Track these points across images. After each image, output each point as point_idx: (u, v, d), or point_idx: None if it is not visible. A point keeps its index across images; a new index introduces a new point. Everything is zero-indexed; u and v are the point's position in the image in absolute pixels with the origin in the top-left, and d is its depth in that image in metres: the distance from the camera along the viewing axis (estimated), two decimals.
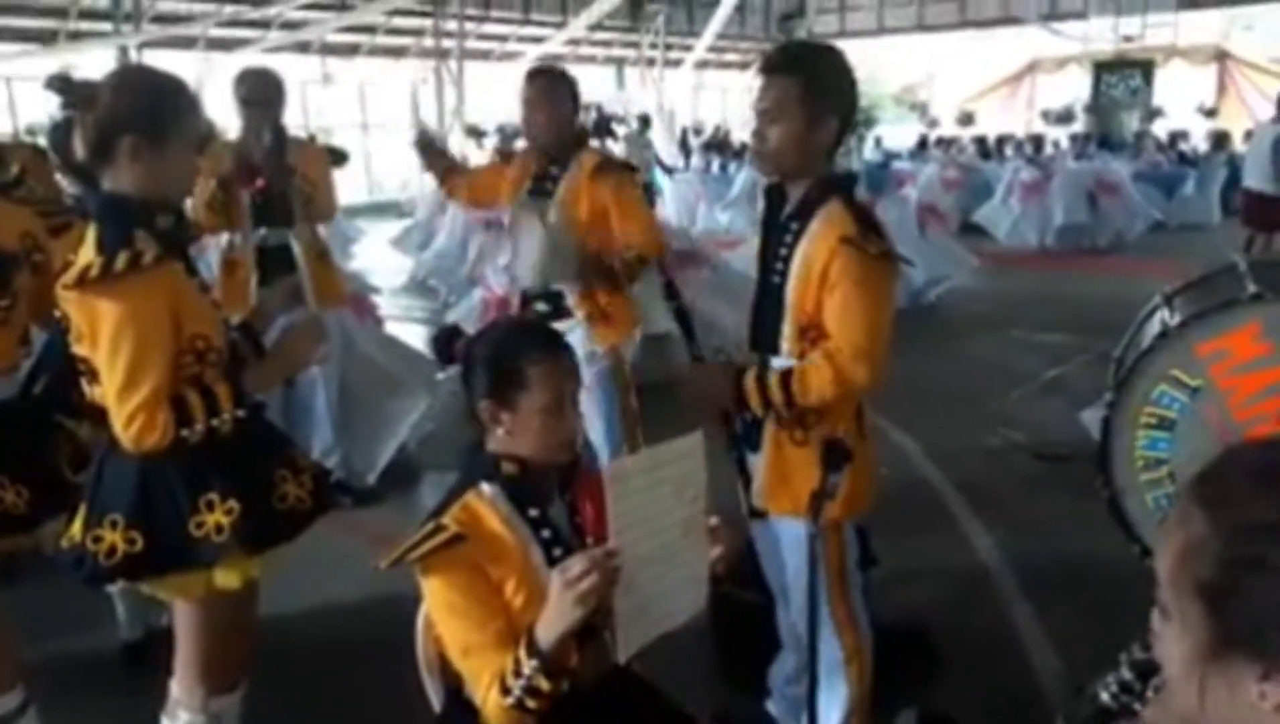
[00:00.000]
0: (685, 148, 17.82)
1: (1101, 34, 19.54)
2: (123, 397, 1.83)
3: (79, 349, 1.91)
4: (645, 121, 14.10)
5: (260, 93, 3.99)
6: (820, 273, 2.10)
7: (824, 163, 2.19)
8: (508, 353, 1.67)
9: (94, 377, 1.90)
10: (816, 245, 2.12)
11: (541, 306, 3.40)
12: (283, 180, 3.94)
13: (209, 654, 2.11)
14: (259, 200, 3.97)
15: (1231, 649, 0.83)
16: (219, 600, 2.03)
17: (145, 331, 1.82)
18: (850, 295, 2.08)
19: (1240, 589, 0.82)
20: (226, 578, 1.99)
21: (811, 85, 2.10)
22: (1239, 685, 0.83)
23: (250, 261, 3.96)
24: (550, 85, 3.40)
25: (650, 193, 10.27)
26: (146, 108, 1.90)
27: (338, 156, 4.52)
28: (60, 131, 3.00)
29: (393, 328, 5.92)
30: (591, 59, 20.62)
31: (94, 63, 12.95)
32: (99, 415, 1.92)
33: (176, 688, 2.17)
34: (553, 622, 1.47)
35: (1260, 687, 0.82)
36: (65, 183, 3.21)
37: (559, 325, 3.35)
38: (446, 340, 1.75)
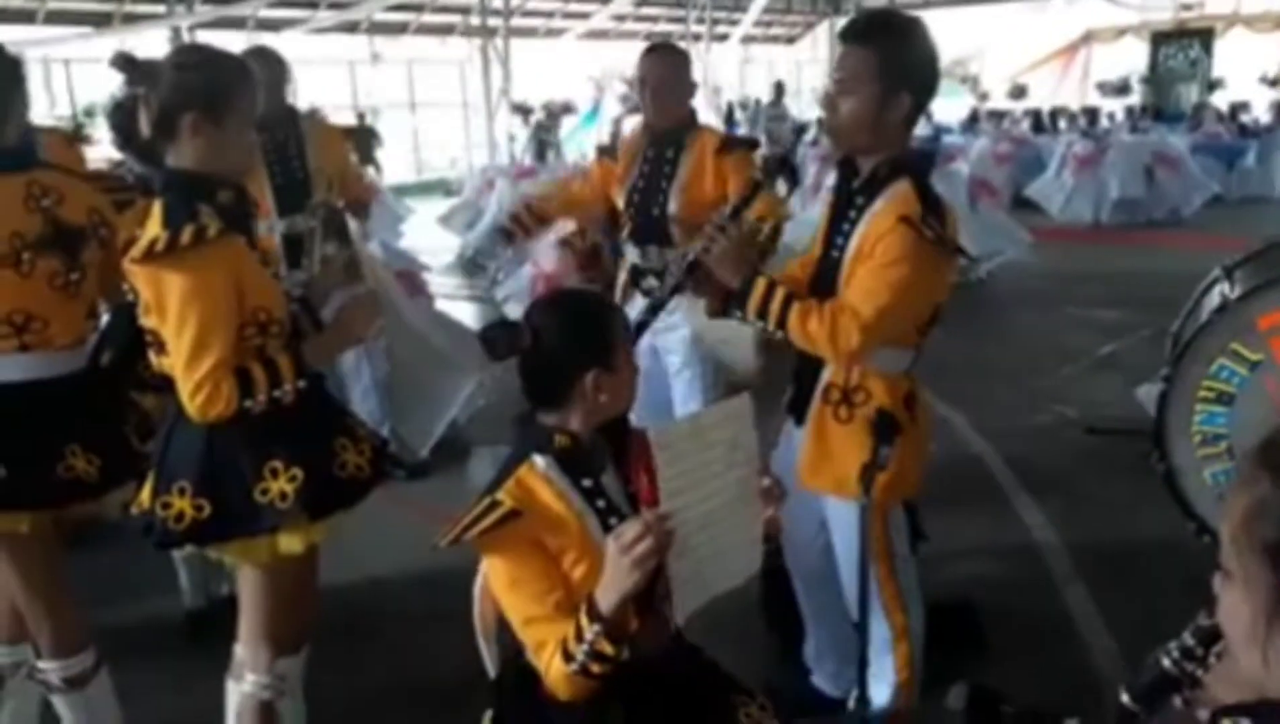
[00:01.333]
0: (730, 124, 17.68)
1: (1160, 2, 19.05)
2: (189, 368, 1.88)
3: (147, 321, 1.96)
4: (779, 90, 13.49)
5: (266, 74, 3.96)
6: (871, 249, 2.07)
7: (898, 139, 2.14)
8: (601, 320, 1.70)
9: (162, 348, 1.95)
10: (876, 223, 2.08)
11: (653, 282, 3.32)
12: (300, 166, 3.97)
13: (274, 618, 2.17)
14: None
15: None
16: (283, 566, 2.09)
17: (210, 303, 1.87)
18: (886, 266, 2.04)
19: None
20: (290, 543, 2.04)
21: (888, 58, 2.05)
22: None
23: (278, 249, 3.98)
24: (674, 63, 3.31)
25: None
26: (207, 85, 1.95)
27: (363, 136, 4.50)
28: (122, 110, 3.06)
29: (442, 305, 5.98)
30: (636, 35, 20.52)
31: (148, 44, 13.17)
32: (167, 386, 1.98)
33: (242, 651, 2.24)
34: (611, 587, 1.49)
35: None
36: (130, 162, 3.27)
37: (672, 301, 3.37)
38: (510, 334, 1.69)
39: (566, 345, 1.65)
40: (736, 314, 2.18)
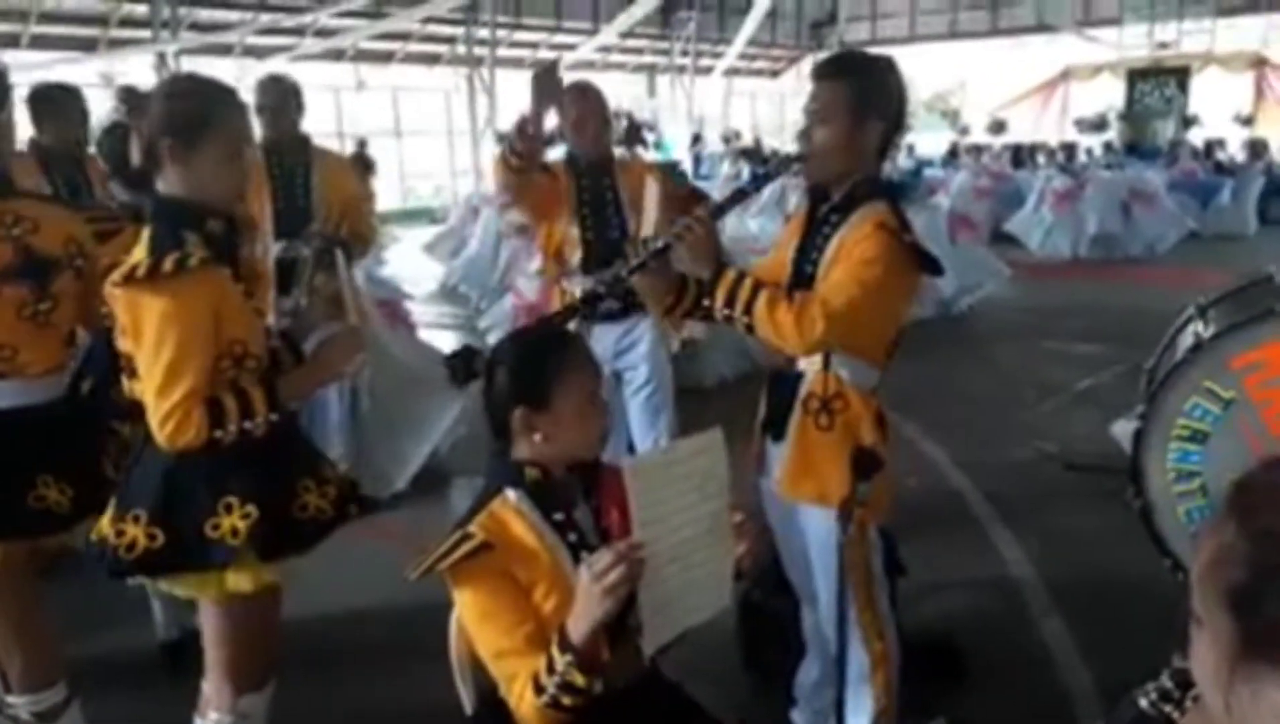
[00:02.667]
0: (697, 149, 17.78)
1: (1136, 41, 19.38)
2: (161, 395, 1.87)
3: (122, 345, 1.96)
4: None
5: (275, 99, 4.01)
6: (849, 254, 2.12)
7: (871, 166, 2.22)
8: (535, 358, 1.69)
9: (134, 372, 1.94)
10: (853, 232, 2.14)
11: (613, 305, 3.37)
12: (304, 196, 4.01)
13: (235, 654, 2.14)
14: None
15: (1256, 656, 0.83)
16: (242, 602, 2.06)
17: (187, 332, 1.86)
18: (861, 264, 2.09)
19: (1267, 595, 0.82)
20: (238, 581, 2.02)
21: (858, 90, 2.14)
22: (1263, 693, 0.83)
23: (271, 273, 3.98)
24: (600, 99, 3.49)
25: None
26: (182, 112, 1.95)
27: (365, 165, 4.56)
28: (113, 137, 3.07)
29: (424, 334, 5.97)
30: (622, 66, 20.68)
31: (133, 70, 13.16)
32: (137, 411, 1.97)
33: (207, 687, 2.22)
34: (582, 616, 1.49)
35: None
36: (117, 189, 3.28)
37: (629, 321, 3.39)
38: (466, 360, 1.76)
39: (500, 381, 1.70)
40: (703, 304, 2.20)
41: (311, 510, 2.09)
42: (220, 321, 1.92)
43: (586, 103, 3.43)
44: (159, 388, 1.87)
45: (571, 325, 3.46)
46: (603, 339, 3.47)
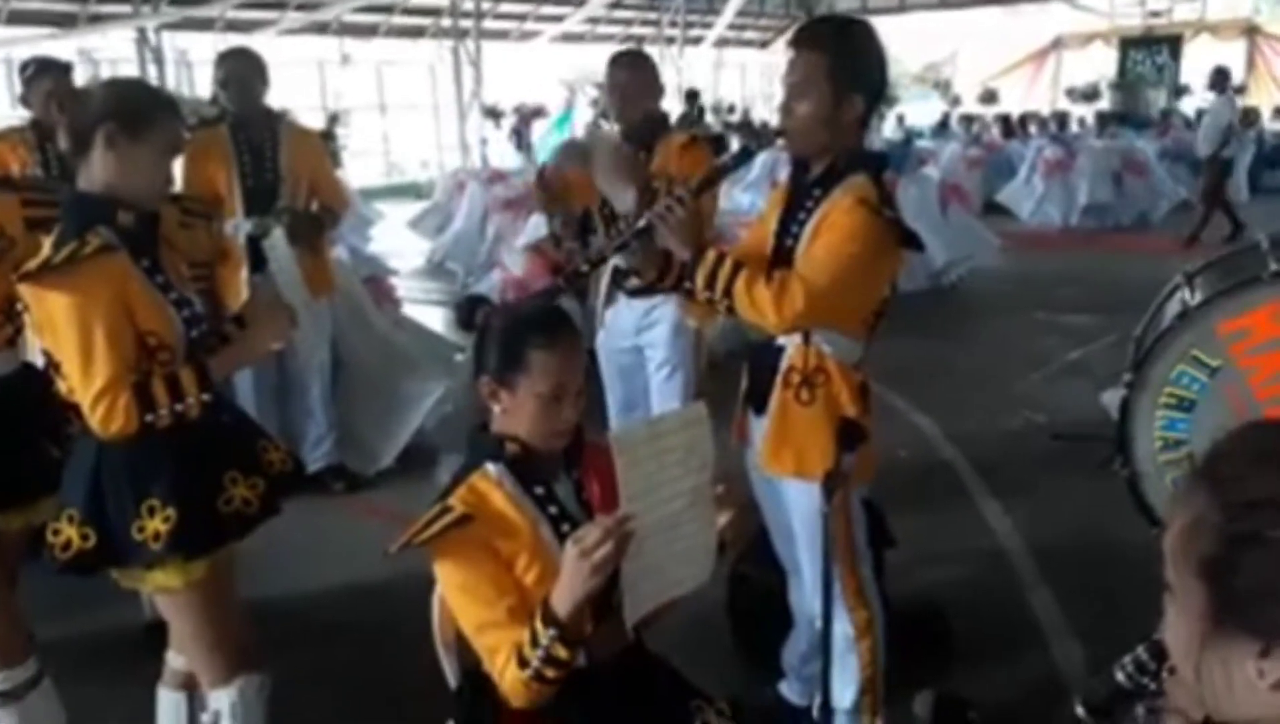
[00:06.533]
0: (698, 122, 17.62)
1: (1128, 9, 19.30)
2: (84, 385, 1.87)
3: (41, 341, 1.95)
4: (1223, 76, 11.17)
5: (240, 72, 3.96)
6: (829, 229, 2.10)
7: (851, 139, 2.18)
8: (515, 333, 1.67)
9: (58, 368, 1.94)
10: (833, 206, 2.12)
11: (635, 282, 3.27)
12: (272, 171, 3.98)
13: (200, 632, 2.13)
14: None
15: (1229, 626, 0.83)
16: (187, 589, 2.05)
17: (93, 320, 1.85)
18: (840, 241, 2.06)
19: (1238, 565, 0.82)
20: (166, 578, 2.02)
21: (838, 61, 2.09)
22: (1235, 663, 0.83)
23: (241, 250, 3.94)
24: (639, 69, 3.39)
25: None
26: (131, 100, 1.97)
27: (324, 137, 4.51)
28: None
29: (411, 310, 5.94)
30: (609, 38, 20.50)
31: (114, 45, 13.01)
32: (67, 407, 1.96)
33: (183, 665, 2.25)
34: (567, 591, 1.48)
35: (1258, 664, 0.82)
36: None
37: (654, 299, 3.34)
38: (470, 308, 1.77)
39: (481, 342, 1.71)
40: (685, 286, 2.18)
41: (237, 503, 2.07)
42: (131, 309, 1.91)
43: (620, 76, 3.34)
44: (80, 379, 1.87)
45: (604, 300, 3.41)
46: (627, 315, 3.42)
